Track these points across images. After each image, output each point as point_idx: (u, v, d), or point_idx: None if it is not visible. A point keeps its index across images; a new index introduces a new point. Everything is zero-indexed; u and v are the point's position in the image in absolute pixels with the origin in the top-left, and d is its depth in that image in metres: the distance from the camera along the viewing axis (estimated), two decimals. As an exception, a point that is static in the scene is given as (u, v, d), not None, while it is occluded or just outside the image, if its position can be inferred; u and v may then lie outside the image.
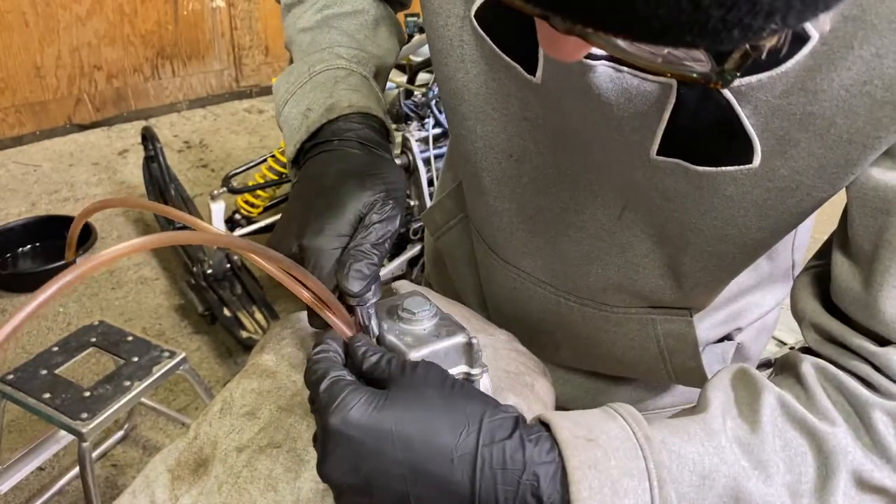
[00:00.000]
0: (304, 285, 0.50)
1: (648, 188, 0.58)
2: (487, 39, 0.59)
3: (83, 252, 2.49)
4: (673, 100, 0.52)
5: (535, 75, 0.58)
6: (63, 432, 1.62)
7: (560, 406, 0.67)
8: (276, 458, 0.53)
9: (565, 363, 0.77)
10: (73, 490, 1.81)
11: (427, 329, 0.55)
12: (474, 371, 0.54)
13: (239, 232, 2.52)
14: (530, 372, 0.65)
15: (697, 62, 0.36)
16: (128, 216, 2.93)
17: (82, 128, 3.58)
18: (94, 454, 1.80)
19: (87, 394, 1.47)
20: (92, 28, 3.45)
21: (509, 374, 0.63)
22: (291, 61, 0.74)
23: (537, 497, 0.44)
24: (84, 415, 1.42)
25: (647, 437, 0.47)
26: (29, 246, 2.64)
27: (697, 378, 0.73)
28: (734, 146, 0.52)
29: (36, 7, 3.25)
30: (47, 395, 1.46)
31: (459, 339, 0.54)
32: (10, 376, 1.50)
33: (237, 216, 2.59)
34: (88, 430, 1.41)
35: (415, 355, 0.52)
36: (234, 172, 2.58)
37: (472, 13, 0.59)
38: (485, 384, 0.58)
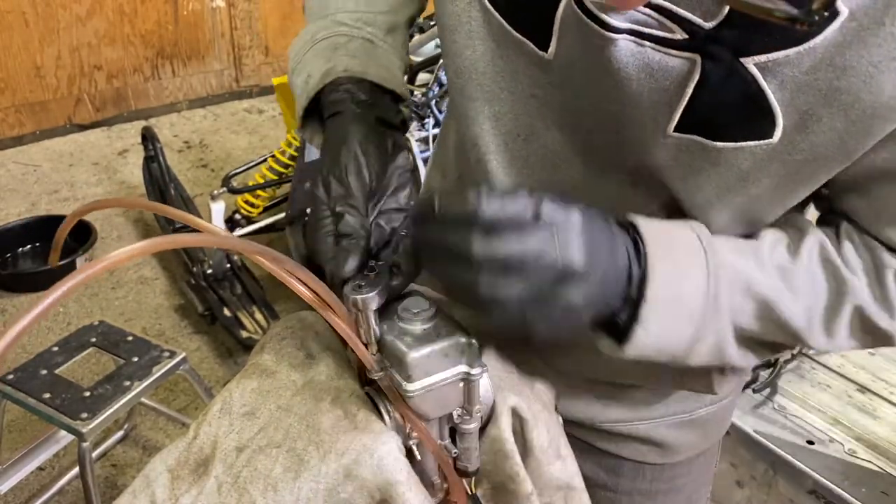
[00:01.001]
0: (308, 286, 0.50)
1: (662, 165, 0.57)
2: (497, 15, 0.58)
3: (83, 252, 2.49)
4: (697, 75, 0.51)
5: (546, 51, 0.57)
6: (63, 432, 1.62)
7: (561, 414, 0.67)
8: (276, 458, 0.53)
9: (565, 368, 0.77)
10: (73, 490, 1.81)
11: (427, 329, 0.55)
12: (474, 371, 0.54)
13: (239, 232, 2.52)
14: (530, 372, 0.65)
15: (777, 4, 0.36)
16: (128, 216, 2.93)
17: (82, 128, 3.58)
18: (94, 454, 1.80)
19: (87, 394, 1.47)
20: (92, 28, 3.45)
21: (509, 374, 0.63)
22: None
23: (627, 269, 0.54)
24: (84, 415, 1.42)
25: (709, 243, 0.57)
26: (29, 246, 2.64)
27: (704, 382, 0.72)
28: (755, 121, 0.52)
29: (36, 7, 3.25)
30: (47, 395, 1.46)
31: (459, 338, 0.54)
32: (10, 376, 1.50)
33: (237, 216, 2.59)
34: (88, 430, 1.41)
35: (414, 355, 0.52)
36: (234, 172, 2.58)
37: None
38: (485, 384, 0.58)
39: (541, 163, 0.64)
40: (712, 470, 0.92)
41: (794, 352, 1.54)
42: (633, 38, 0.52)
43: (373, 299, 0.52)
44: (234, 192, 2.52)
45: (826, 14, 0.34)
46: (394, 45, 0.71)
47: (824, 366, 1.56)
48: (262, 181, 2.55)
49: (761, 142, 0.52)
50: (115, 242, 2.79)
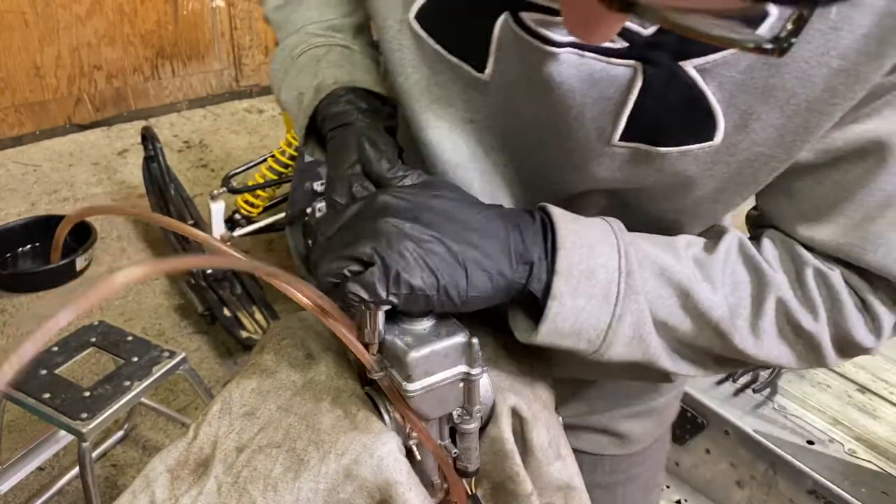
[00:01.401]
0: (304, 290, 0.50)
1: (606, 177, 0.58)
2: (430, 40, 0.58)
3: (83, 252, 2.49)
4: (640, 82, 0.52)
5: (483, 72, 0.57)
6: (63, 432, 1.62)
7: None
8: (276, 458, 0.53)
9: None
10: (73, 490, 1.81)
11: (427, 329, 0.55)
12: (474, 371, 0.54)
13: (239, 232, 2.52)
14: (530, 371, 0.65)
15: (744, 33, 0.37)
16: (127, 216, 2.93)
17: (82, 128, 3.58)
18: (94, 454, 1.80)
19: (87, 394, 1.47)
20: (92, 28, 3.45)
21: (509, 375, 0.63)
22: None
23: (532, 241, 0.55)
24: (84, 415, 1.42)
25: (620, 229, 0.57)
26: (28, 246, 2.64)
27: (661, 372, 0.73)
28: (697, 125, 0.53)
29: (36, 7, 3.25)
30: (47, 395, 1.46)
31: (459, 338, 0.54)
32: (10, 376, 1.50)
33: (237, 216, 2.59)
34: (88, 430, 1.41)
35: (414, 355, 0.52)
36: (234, 172, 2.58)
37: (412, 15, 0.58)
38: (485, 384, 0.58)
39: (482, 189, 0.63)
40: (665, 454, 0.93)
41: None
42: (574, 50, 0.52)
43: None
44: (233, 191, 2.52)
45: (794, 41, 0.35)
46: (365, 45, 0.71)
47: (824, 366, 1.56)
48: (261, 181, 2.55)
49: (704, 144, 0.53)
50: (115, 242, 2.79)
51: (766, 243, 0.61)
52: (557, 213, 0.57)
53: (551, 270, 0.55)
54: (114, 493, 1.81)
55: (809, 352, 0.60)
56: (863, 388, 1.50)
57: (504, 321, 0.62)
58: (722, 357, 0.61)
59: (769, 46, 0.35)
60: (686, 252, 0.59)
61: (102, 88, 3.60)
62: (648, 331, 0.57)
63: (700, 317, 0.58)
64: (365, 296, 0.50)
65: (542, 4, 0.52)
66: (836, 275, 0.58)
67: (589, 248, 0.55)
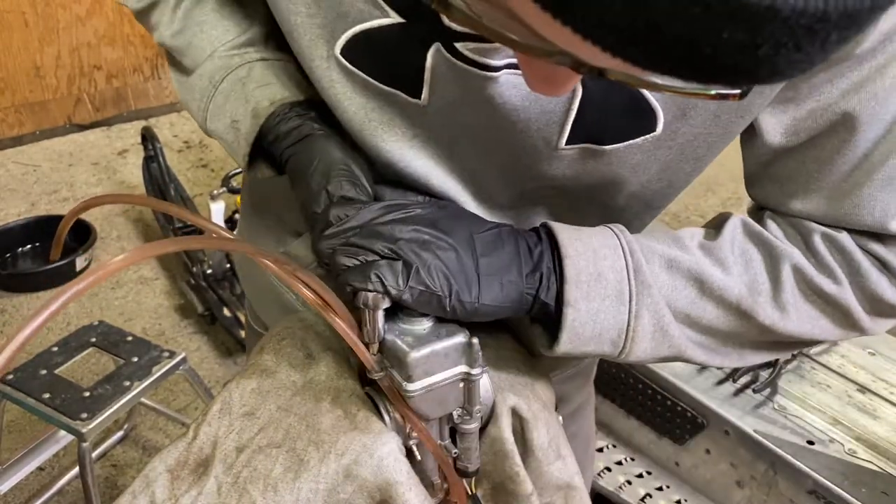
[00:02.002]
0: (309, 286, 0.50)
1: (556, 173, 0.59)
2: (360, 73, 0.57)
3: (83, 252, 2.49)
4: (580, 90, 0.52)
5: (419, 98, 0.56)
6: (63, 432, 1.62)
7: None
8: (276, 459, 0.53)
9: None
10: (73, 490, 1.81)
11: (427, 329, 0.55)
12: (474, 371, 0.54)
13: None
14: (530, 371, 0.65)
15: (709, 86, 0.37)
16: (127, 216, 2.93)
17: (82, 128, 3.58)
18: (94, 454, 1.80)
19: (87, 394, 1.47)
20: (92, 28, 3.45)
21: (509, 375, 0.63)
22: (171, 58, 0.71)
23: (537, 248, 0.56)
24: (84, 415, 1.42)
25: (622, 230, 0.58)
26: (28, 246, 2.64)
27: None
28: (639, 120, 0.54)
29: (36, 7, 3.25)
30: (47, 395, 1.46)
31: (459, 338, 0.54)
32: (10, 376, 1.50)
33: (237, 216, 2.59)
34: (88, 431, 1.41)
35: (415, 355, 0.52)
36: (233, 172, 2.58)
37: (338, 51, 0.57)
38: (485, 384, 0.58)
39: (442, 195, 0.63)
40: (593, 408, 0.95)
41: (794, 352, 1.54)
42: (513, 70, 0.52)
43: (385, 299, 0.52)
44: (233, 191, 2.51)
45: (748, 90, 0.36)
46: (277, 51, 0.68)
47: (824, 366, 1.56)
48: (261, 181, 2.55)
49: (647, 136, 0.55)
50: (115, 242, 2.79)
51: (769, 222, 0.62)
52: (557, 225, 0.58)
53: (561, 280, 0.55)
54: (114, 494, 1.81)
55: (841, 317, 0.59)
56: (863, 388, 1.50)
57: (504, 322, 0.62)
58: (758, 341, 0.61)
59: (733, 92, 0.36)
60: (691, 242, 0.59)
61: (102, 88, 3.59)
62: (668, 322, 0.57)
63: (720, 301, 0.58)
64: (389, 280, 0.51)
65: (475, 34, 0.50)
66: (844, 236, 0.59)
67: (593, 252, 0.56)
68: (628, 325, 0.56)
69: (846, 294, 0.58)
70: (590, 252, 0.56)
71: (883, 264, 0.58)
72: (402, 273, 0.52)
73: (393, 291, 0.52)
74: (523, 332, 0.65)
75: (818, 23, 0.26)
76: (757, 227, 0.61)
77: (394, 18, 0.53)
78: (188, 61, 0.69)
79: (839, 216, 0.58)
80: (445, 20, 0.51)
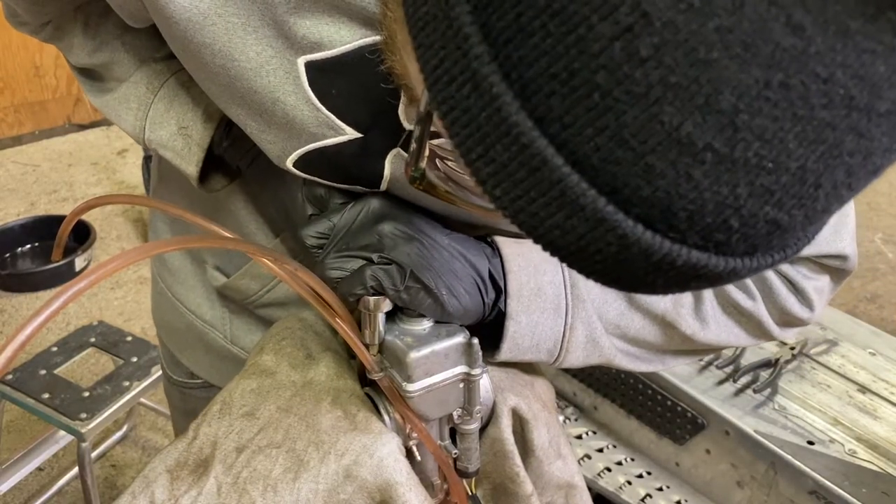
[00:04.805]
0: (313, 289, 0.50)
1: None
2: (315, 179, 0.56)
3: (82, 252, 2.49)
4: None
5: (378, 188, 0.56)
6: (62, 432, 1.62)
7: None
8: (276, 459, 0.53)
9: None
10: (73, 490, 1.81)
11: (427, 329, 0.55)
12: (474, 371, 0.54)
13: (238, 232, 2.52)
14: (530, 371, 0.65)
15: None
16: (127, 216, 2.93)
17: (81, 127, 3.58)
18: (94, 454, 1.80)
19: (87, 394, 1.47)
20: (91, 28, 3.45)
21: (509, 374, 0.63)
22: (87, 77, 0.69)
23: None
24: (83, 415, 1.42)
25: None
26: (28, 246, 2.64)
27: None
28: None
29: (35, 7, 3.25)
30: (46, 396, 1.46)
31: (459, 339, 0.54)
32: (10, 376, 1.50)
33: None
34: (87, 431, 1.41)
35: (415, 356, 0.52)
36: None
37: (289, 164, 0.54)
38: (485, 384, 0.58)
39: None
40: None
41: (795, 352, 1.54)
42: None
43: (385, 301, 0.52)
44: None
45: None
46: None
47: (825, 366, 1.56)
48: (261, 181, 2.55)
49: None
50: (115, 242, 2.79)
51: None
52: (501, 239, 0.59)
53: (504, 291, 0.57)
54: (113, 494, 1.80)
55: (755, 328, 0.64)
56: (863, 389, 1.50)
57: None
58: (678, 350, 0.65)
59: None
60: None
61: (102, 88, 3.59)
62: (600, 333, 0.60)
63: (647, 312, 0.61)
64: (386, 282, 0.52)
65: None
66: None
67: (534, 267, 0.58)
68: (563, 336, 0.59)
69: (759, 308, 0.62)
70: (531, 267, 0.58)
71: (791, 283, 0.62)
72: (398, 274, 0.52)
73: (391, 293, 0.52)
74: None
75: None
76: None
77: (350, 135, 0.52)
78: (114, 75, 0.66)
79: None
80: (406, 125, 0.51)
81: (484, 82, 0.27)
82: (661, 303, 0.60)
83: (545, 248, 0.30)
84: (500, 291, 0.57)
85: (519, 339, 0.58)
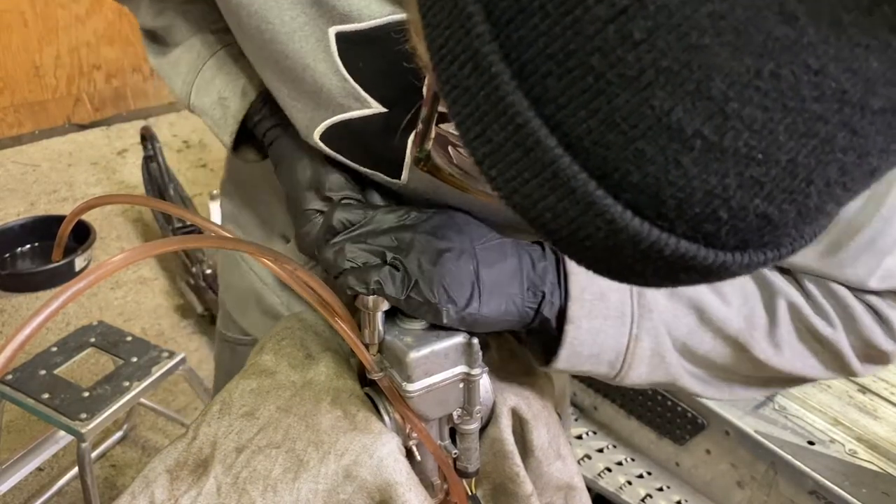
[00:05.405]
0: (312, 289, 0.50)
1: None
2: (339, 157, 0.57)
3: (82, 252, 2.48)
4: None
5: (399, 179, 0.56)
6: (62, 433, 1.62)
7: None
8: (275, 459, 0.53)
9: None
10: (73, 491, 1.81)
11: (427, 329, 0.54)
12: (474, 371, 0.54)
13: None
14: (530, 371, 0.64)
15: None
16: (126, 216, 2.93)
17: (81, 127, 3.58)
18: (94, 455, 1.80)
19: (86, 394, 1.47)
20: (91, 27, 3.45)
21: (509, 374, 0.63)
22: (150, 38, 0.71)
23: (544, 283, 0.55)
24: (83, 415, 1.42)
25: None
26: (28, 246, 2.64)
27: None
28: None
29: (35, 6, 3.25)
30: (46, 396, 1.46)
31: (459, 339, 0.54)
32: (9, 376, 1.50)
33: (236, 216, 2.59)
34: (87, 431, 1.41)
35: (414, 355, 0.52)
36: (233, 172, 2.58)
37: (316, 137, 0.56)
38: (485, 384, 0.58)
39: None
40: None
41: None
42: None
43: (384, 300, 0.52)
44: (233, 191, 2.51)
45: None
46: None
47: (824, 366, 1.56)
48: (261, 181, 2.54)
49: None
50: (115, 242, 2.78)
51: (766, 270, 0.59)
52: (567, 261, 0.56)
53: (565, 296, 0.54)
54: (113, 494, 1.80)
55: (832, 359, 0.58)
56: (863, 389, 1.50)
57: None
58: (748, 376, 0.60)
59: None
60: None
61: (101, 88, 3.59)
62: (667, 348, 0.56)
63: (718, 331, 0.57)
64: (388, 288, 0.51)
65: None
66: (836, 284, 0.57)
67: (598, 284, 0.55)
68: (627, 347, 0.55)
69: (840, 337, 0.57)
70: (595, 286, 0.55)
71: (877, 313, 0.57)
72: (403, 283, 0.51)
73: (391, 300, 0.52)
74: (523, 341, 0.64)
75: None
76: None
77: (376, 109, 0.52)
78: (173, 39, 0.68)
79: (825, 272, 0.56)
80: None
81: (484, 61, 0.27)
82: (734, 321, 0.56)
83: (538, 232, 0.30)
84: (543, 296, 0.55)
85: (578, 345, 0.54)
